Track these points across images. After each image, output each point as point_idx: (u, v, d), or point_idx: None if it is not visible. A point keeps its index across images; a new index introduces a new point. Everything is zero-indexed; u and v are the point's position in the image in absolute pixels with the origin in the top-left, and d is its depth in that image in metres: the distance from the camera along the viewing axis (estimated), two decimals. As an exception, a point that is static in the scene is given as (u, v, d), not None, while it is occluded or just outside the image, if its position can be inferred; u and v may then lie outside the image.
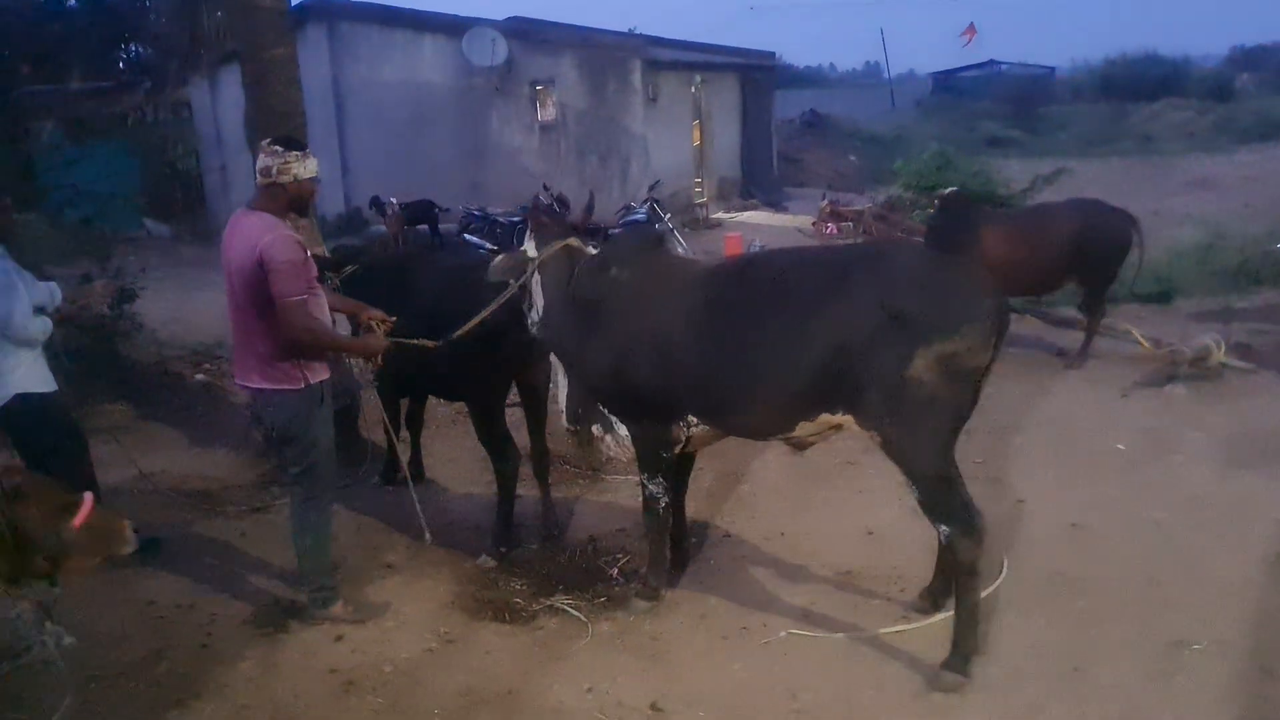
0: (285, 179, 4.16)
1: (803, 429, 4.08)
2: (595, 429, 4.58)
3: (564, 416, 4.73)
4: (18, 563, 3.06)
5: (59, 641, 3.40)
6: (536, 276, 4.53)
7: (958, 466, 3.90)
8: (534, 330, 4.68)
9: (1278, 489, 5.61)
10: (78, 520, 3.15)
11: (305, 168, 4.20)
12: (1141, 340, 8.47)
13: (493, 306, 4.63)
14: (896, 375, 3.67)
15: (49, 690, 3.76)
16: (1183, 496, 5.59)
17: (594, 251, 4.59)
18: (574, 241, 4.54)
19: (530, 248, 4.63)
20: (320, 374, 4.35)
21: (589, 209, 4.76)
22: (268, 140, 4.30)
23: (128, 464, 6.07)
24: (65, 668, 3.59)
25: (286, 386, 4.28)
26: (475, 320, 4.62)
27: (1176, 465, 6.09)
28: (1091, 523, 5.30)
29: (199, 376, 8.65)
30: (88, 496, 3.23)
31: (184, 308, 10.67)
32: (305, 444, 4.38)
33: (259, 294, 4.12)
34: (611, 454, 4.66)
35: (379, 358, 4.54)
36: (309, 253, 4.28)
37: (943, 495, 3.84)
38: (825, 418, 3.99)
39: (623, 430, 4.59)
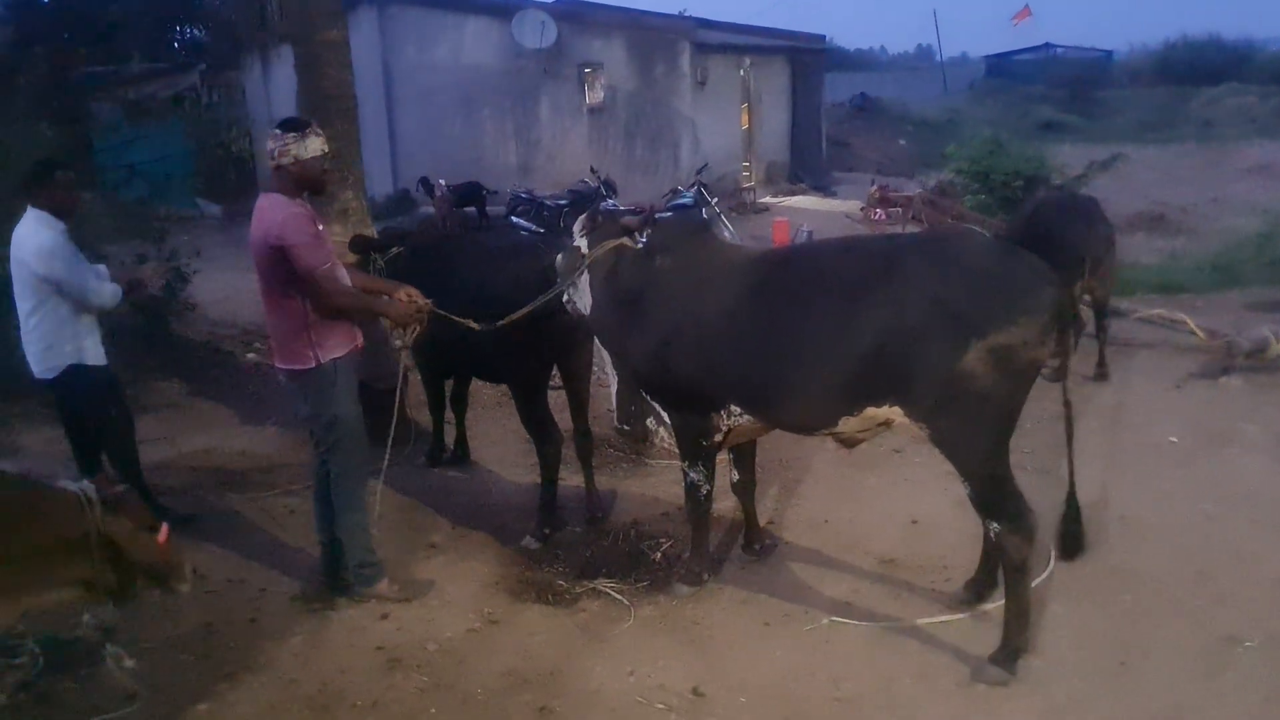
0: (286, 160, 4.22)
1: (847, 424, 4.03)
2: (649, 422, 4.57)
3: (615, 416, 4.73)
4: (100, 573, 3.09)
5: (120, 664, 3.45)
6: (585, 275, 4.55)
7: (1009, 463, 3.84)
8: (568, 307, 4.71)
9: (1333, 485, 5.50)
10: (162, 538, 3.19)
11: (305, 148, 4.23)
12: (1197, 330, 8.33)
13: (539, 302, 4.66)
14: (949, 368, 3.61)
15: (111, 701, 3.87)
16: (1236, 491, 5.49)
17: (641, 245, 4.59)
18: (627, 242, 4.54)
19: (584, 244, 4.63)
20: (334, 352, 4.38)
21: (646, 221, 4.75)
22: (272, 125, 4.39)
23: (181, 440, 6.19)
24: (130, 685, 3.65)
25: (299, 366, 4.35)
26: (520, 313, 4.65)
27: (1230, 459, 5.98)
28: (1143, 515, 5.22)
29: (250, 355, 8.77)
30: (164, 526, 3.27)
31: (235, 287, 10.77)
32: (327, 421, 4.45)
33: (272, 275, 4.22)
34: (666, 445, 4.66)
35: (408, 331, 4.55)
36: (321, 228, 4.34)
37: (995, 492, 3.79)
38: (871, 412, 3.93)
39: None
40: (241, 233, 17.25)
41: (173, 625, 4.41)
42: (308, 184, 4.32)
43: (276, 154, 4.22)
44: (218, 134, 19.38)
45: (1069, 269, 6.85)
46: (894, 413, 3.88)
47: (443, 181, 14.92)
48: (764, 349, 4.01)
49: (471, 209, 15.39)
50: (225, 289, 10.50)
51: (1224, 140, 26.47)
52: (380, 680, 4.06)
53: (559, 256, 4.79)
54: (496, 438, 6.80)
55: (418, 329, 4.57)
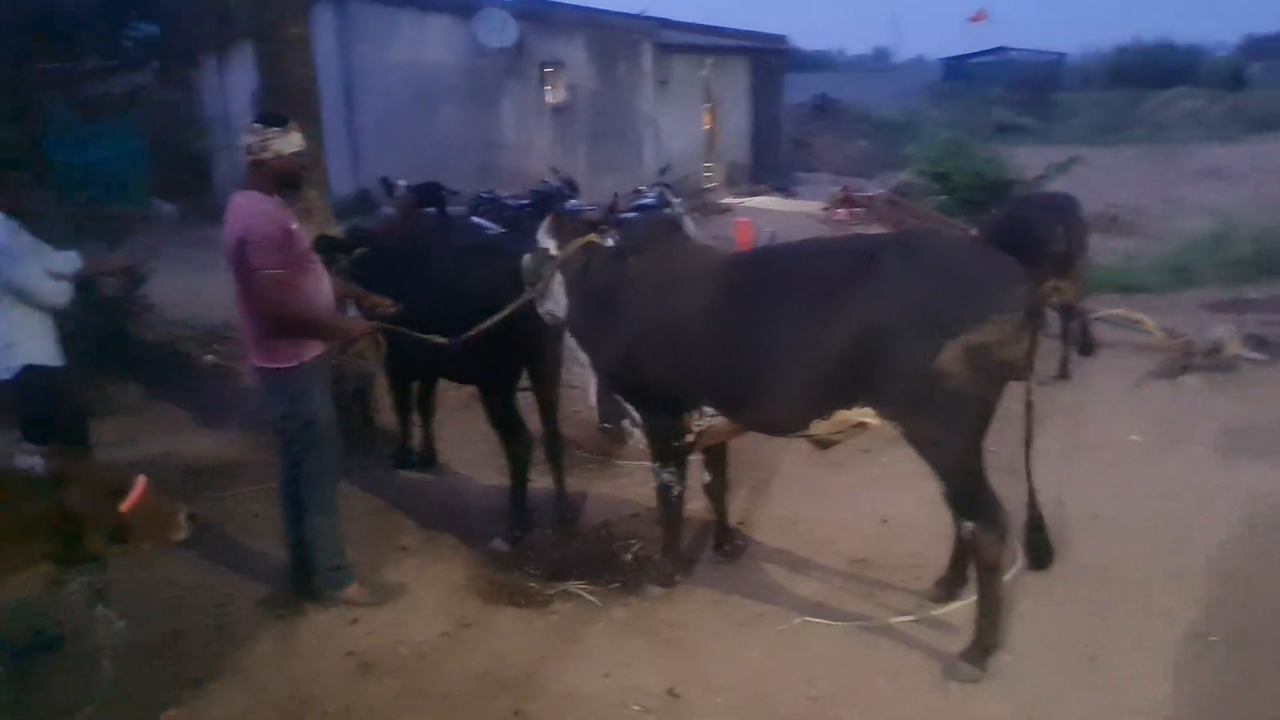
0: (267, 155, 4.18)
1: (819, 427, 4.04)
2: (625, 423, 4.55)
3: (596, 415, 4.70)
4: (64, 545, 3.01)
5: (111, 626, 3.36)
6: (558, 274, 4.51)
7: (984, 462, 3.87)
8: (545, 317, 4.68)
9: (1291, 481, 5.60)
10: (126, 505, 3.10)
11: (287, 143, 4.21)
12: (1155, 330, 8.45)
13: (509, 310, 4.64)
14: (925, 367, 3.63)
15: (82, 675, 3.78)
16: (1199, 488, 5.57)
17: (611, 242, 4.57)
18: (594, 238, 4.53)
19: (551, 246, 4.60)
20: (313, 351, 4.35)
21: (611, 210, 4.76)
22: (250, 119, 4.32)
23: (140, 442, 6.09)
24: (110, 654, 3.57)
25: (279, 365, 4.30)
26: (489, 323, 4.62)
27: (1192, 456, 6.07)
28: (1109, 513, 5.28)
29: (208, 357, 8.64)
30: (140, 481, 3.17)
31: (192, 288, 10.60)
32: (302, 421, 4.39)
33: (243, 271, 4.16)
34: (641, 446, 4.64)
35: (361, 342, 4.52)
36: (294, 228, 4.27)
37: (970, 491, 3.81)
38: (841, 415, 3.95)
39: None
40: (197, 233, 16.84)
41: (140, 632, 4.32)
42: (286, 180, 4.27)
43: (256, 148, 4.15)
44: (173, 132, 19.08)
45: (1045, 267, 6.95)
46: (866, 414, 3.90)
47: (402, 182, 14.78)
48: (737, 350, 4.01)
49: (432, 209, 15.25)
50: (182, 290, 10.32)
51: (1175, 143, 26.94)
52: (352, 686, 4.02)
53: (526, 258, 4.75)
54: (462, 440, 6.74)
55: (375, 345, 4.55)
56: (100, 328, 7.86)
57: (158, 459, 6.15)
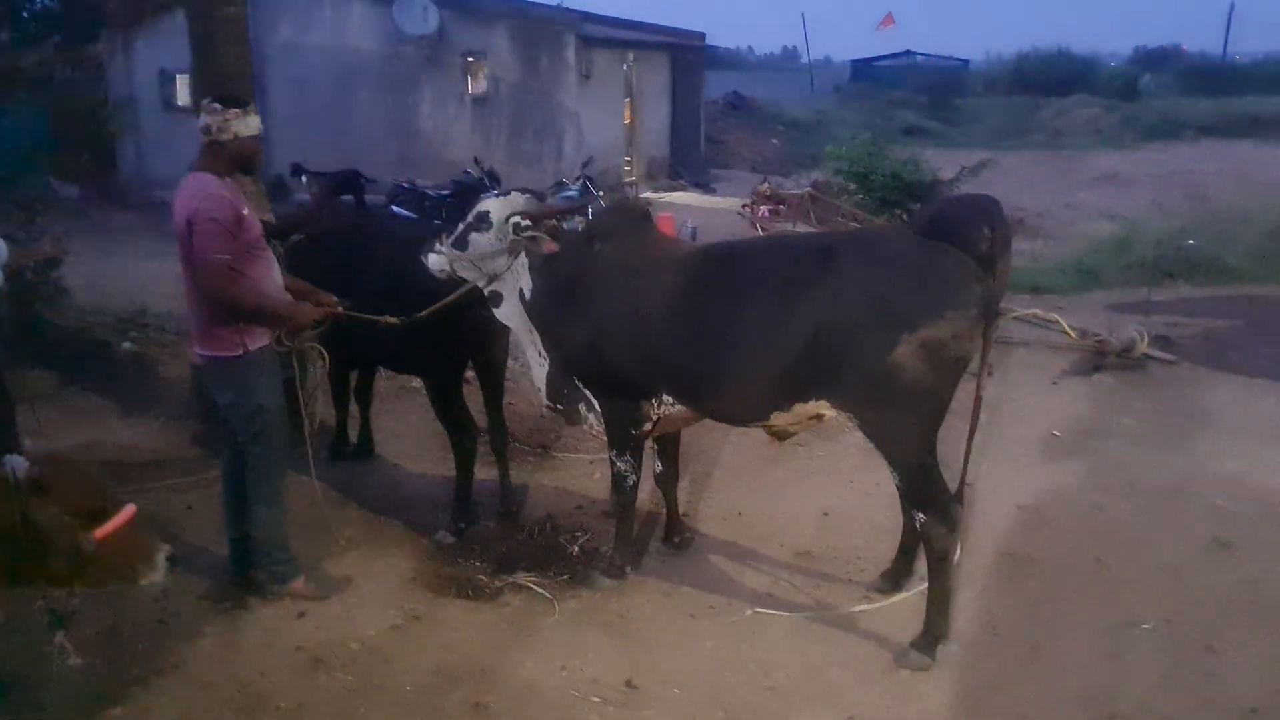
0: (225, 137, 4.09)
1: (779, 418, 4.12)
2: (581, 407, 4.54)
3: (543, 394, 4.67)
4: (24, 564, 2.79)
5: (63, 659, 3.14)
6: (523, 258, 4.46)
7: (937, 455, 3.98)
8: (491, 299, 4.62)
9: (1205, 474, 5.89)
10: (100, 533, 2.88)
11: (246, 125, 4.13)
12: (1069, 331, 8.76)
13: (454, 297, 4.58)
14: (881, 361, 3.73)
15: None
16: (1119, 481, 5.82)
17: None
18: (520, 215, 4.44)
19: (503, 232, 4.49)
20: (261, 340, 4.26)
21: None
22: (207, 98, 4.22)
23: (58, 433, 5.86)
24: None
25: (226, 353, 4.19)
26: (443, 303, 4.56)
27: (1111, 451, 6.33)
28: (1037, 506, 5.48)
29: (126, 344, 8.33)
30: (129, 509, 2.98)
31: (100, 273, 10.22)
32: (249, 411, 4.29)
33: (189, 255, 4.06)
34: (594, 432, 4.63)
35: (307, 333, 4.42)
36: (247, 213, 4.17)
37: (923, 483, 3.92)
38: (800, 408, 4.03)
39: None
40: (101, 216, 16.22)
41: (77, 630, 4.16)
42: (243, 162, 4.17)
43: (216, 129, 4.06)
44: (75, 112, 18.31)
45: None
46: (823, 406, 3.98)
47: (316, 171, 14.45)
48: (704, 341, 4.05)
49: (349, 197, 14.95)
50: (90, 275, 9.92)
51: (1073, 149, 27.97)
52: (304, 681, 3.94)
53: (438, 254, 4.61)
54: (399, 430, 6.66)
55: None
56: (11, 313, 7.53)
57: (81, 450, 5.91)
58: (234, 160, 4.15)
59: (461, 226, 4.58)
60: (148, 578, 3.08)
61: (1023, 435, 6.60)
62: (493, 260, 4.48)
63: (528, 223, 4.39)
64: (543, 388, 4.62)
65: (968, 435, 4.13)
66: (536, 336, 4.56)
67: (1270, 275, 11.63)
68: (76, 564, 2.88)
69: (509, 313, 4.61)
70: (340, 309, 4.53)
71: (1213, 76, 40.33)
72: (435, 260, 4.57)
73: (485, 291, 4.60)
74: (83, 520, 2.88)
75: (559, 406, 4.62)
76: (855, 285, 3.79)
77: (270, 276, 4.32)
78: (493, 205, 4.55)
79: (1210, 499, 5.53)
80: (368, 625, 4.34)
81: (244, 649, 4.16)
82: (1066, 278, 11.87)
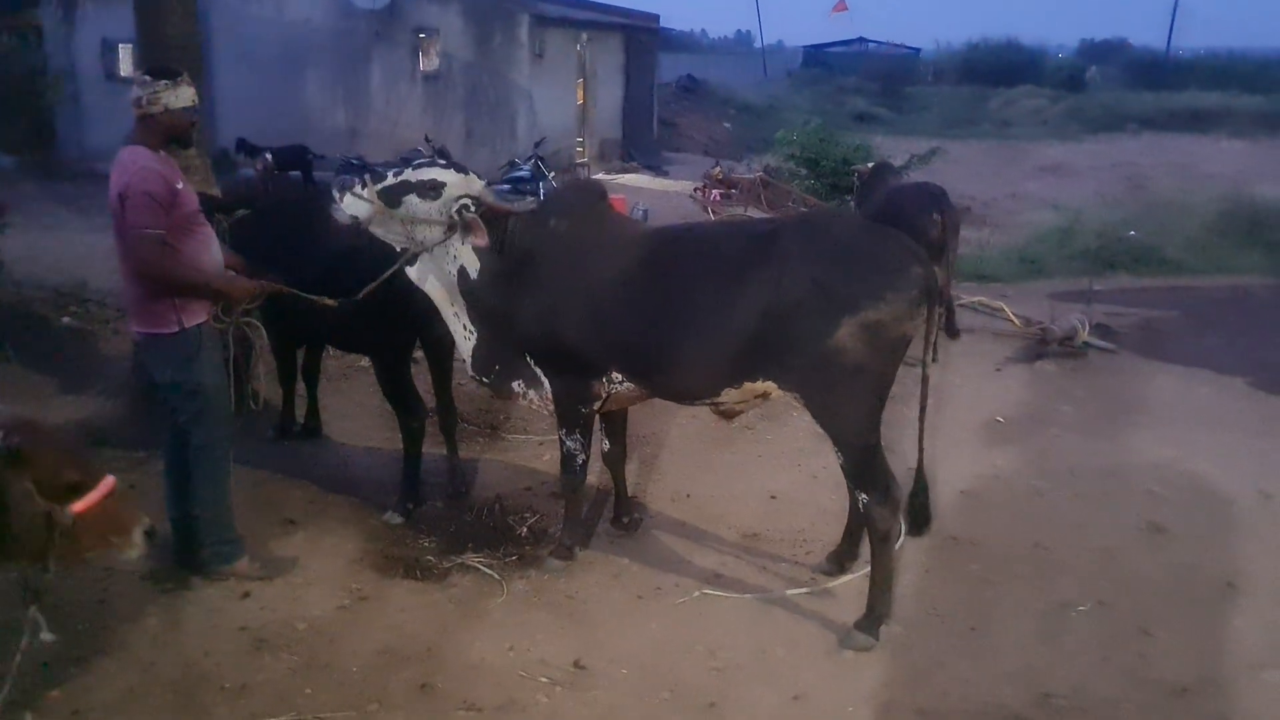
0: (155, 109, 4.02)
1: (728, 395, 4.16)
2: (516, 385, 4.51)
3: (469, 366, 4.59)
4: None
5: (37, 632, 3.02)
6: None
7: (880, 436, 4.04)
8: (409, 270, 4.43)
9: (1142, 461, 6.04)
10: (79, 506, 2.81)
11: (177, 96, 4.04)
12: (1013, 318, 8.93)
13: (394, 269, 4.44)
14: (823, 343, 3.79)
15: None
16: (1059, 466, 5.95)
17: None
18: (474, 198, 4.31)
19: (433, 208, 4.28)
20: (198, 316, 4.18)
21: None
22: (139, 70, 4.15)
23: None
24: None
25: (162, 330, 4.13)
26: (379, 281, 4.47)
27: (1052, 437, 6.47)
28: (979, 490, 5.59)
29: (65, 319, 8.17)
30: (108, 481, 2.90)
31: (38, 245, 10.00)
32: (189, 390, 4.23)
33: (122, 229, 3.99)
34: (534, 408, 4.61)
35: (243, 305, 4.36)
36: (181, 186, 4.09)
37: (866, 464, 3.98)
38: (749, 386, 4.09)
39: (548, 387, 4.53)
40: (36, 188, 15.89)
41: (11, 609, 4.10)
42: (175, 136, 4.09)
43: (145, 101, 3.98)
44: (12, 80, 17.82)
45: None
46: (770, 385, 4.04)
47: (264, 152, 14.20)
48: (652, 319, 4.08)
49: (297, 173, 14.74)
50: (27, 247, 9.70)
51: (1019, 139, 28.41)
52: (248, 661, 3.90)
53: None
54: (345, 410, 6.60)
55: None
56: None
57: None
58: (166, 133, 4.07)
59: (395, 181, 4.27)
60: (126, 552, 3.01)
61: (966, 420, 6.71)
62: (424, 229, 4.29)
63: (473, 211, 4.28)
64: (468, 359, 4.57)
65: (919, 418, 4.19)
66: (462, 308, 4.47)
67: (1207, 267, 11.94)
68: (53, 539, 2.81)
69: (423, 276, 4.44)
70: (280, 289, 4.45)
71: (1156, 70, 41.18)
72: (352, 204, 4.25)
73: (399, 249, 4.42)
74: (61, 493, 2.80)
75: (485, 380, 4.56)
76: (798, 268, 3.85)
77: (208, 252, 4.23)
78: (450, 179, 4.29)
79: (1145, 484, 5.67)
80: (314, 606, 4.31)
81: (187, 629, 4.11)
82: (1011, 266, 12.06)
